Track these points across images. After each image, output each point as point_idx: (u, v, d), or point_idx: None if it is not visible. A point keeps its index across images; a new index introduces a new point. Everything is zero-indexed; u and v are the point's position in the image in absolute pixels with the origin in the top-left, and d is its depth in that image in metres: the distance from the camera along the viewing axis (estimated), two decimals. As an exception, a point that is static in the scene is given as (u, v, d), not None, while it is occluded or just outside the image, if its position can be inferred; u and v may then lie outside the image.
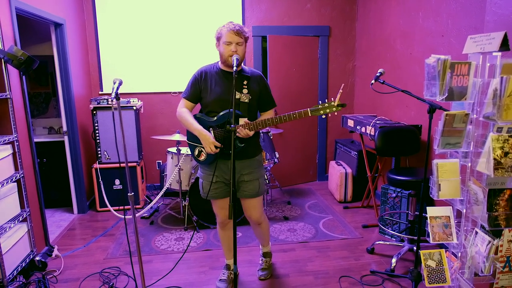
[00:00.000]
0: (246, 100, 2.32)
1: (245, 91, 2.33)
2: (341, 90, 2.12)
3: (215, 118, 2.34)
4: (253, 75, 2.40)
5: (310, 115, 2.15)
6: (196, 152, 2.41)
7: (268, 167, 3.92)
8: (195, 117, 2.38)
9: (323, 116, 2.15)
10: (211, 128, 2.34)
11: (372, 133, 3.42)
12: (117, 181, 4.05)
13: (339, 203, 4.25)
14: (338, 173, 4.24)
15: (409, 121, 3.60)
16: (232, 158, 1.97)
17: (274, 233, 3.47)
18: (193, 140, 2.42)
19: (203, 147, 2.33)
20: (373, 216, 3.85)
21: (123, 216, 3.71)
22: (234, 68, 2.11)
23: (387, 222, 3.41)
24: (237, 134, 2.20)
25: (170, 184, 3.69)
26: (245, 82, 2.34)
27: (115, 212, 3.70)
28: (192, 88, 2.39)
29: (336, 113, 2.13)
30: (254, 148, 2.43)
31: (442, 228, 2.08)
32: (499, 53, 1.81)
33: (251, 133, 2.22)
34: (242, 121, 2.25)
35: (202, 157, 2.38)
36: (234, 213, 1.95)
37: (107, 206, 4.05)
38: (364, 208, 4.10)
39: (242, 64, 2.44)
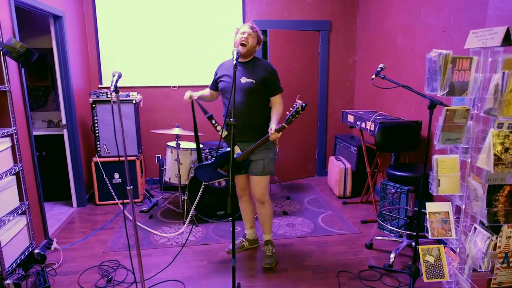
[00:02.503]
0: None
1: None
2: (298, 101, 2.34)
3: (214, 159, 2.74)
4: (262, 63, 2.69)
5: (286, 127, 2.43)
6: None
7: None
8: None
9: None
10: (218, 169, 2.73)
11: (372, 129, 3.41)
12: (116, 175, 4.05)
13: (338, 199, 4.26)
14: (338, 168, 4.24)
15: (409, 117, 3.59)
16: (231, 159, 1.99)
17: (273, 227, 3.47)
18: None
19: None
20: (372, 212, 3.85)
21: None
22: (234, 61, 2.21)
23: (386, 218, 3.42)
24: (269, 138, 2.50)
25: (169, 179, 3.69)
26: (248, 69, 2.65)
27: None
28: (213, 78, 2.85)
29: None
30: (261, 134, 2.63)
31: (441, 224, 2.08)
32: (501, 48, 1.80)
33: (279, 134, 2.48)
34: (272, 126, 2.51)
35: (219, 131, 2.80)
36: (233, 208, 1.96)
37: (107, 200, 4.07)
38: (363, 203, 4.10)
39: (256, 55, 2.74)
